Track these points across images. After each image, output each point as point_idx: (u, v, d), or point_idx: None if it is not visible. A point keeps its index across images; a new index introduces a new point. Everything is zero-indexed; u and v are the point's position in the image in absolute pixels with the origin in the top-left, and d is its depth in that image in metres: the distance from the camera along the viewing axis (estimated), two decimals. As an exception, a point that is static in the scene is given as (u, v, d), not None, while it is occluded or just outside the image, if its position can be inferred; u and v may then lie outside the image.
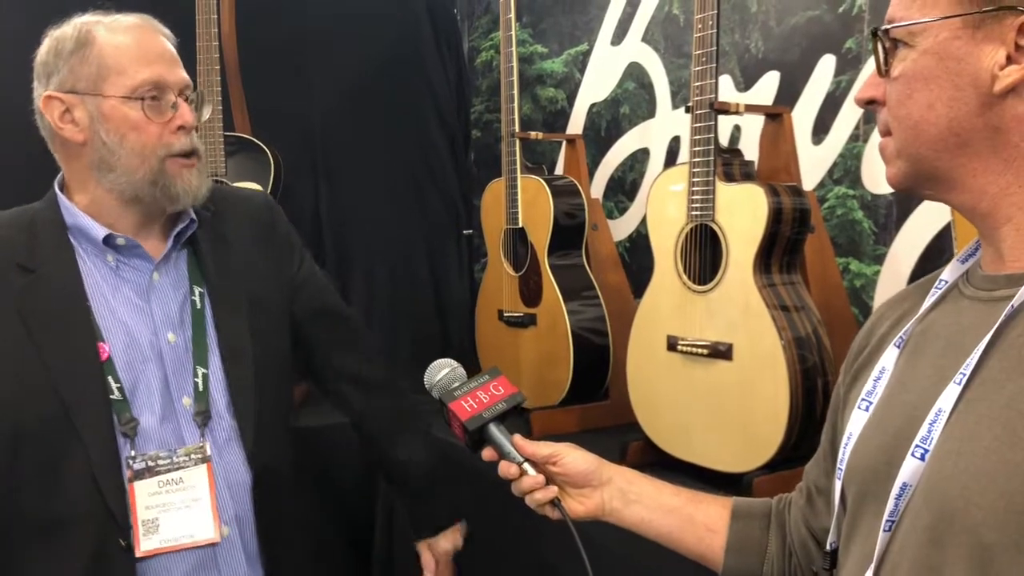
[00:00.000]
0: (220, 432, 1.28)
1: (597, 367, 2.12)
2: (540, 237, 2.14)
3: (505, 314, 2.27)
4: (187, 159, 1.27)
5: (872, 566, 0.77)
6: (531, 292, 2.19)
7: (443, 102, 3.17)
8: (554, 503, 1.08)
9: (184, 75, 1.27)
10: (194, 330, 1.29)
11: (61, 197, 1.27)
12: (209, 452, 1.26)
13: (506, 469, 1.09)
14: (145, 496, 1.21)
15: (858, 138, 1.89)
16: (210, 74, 2.15)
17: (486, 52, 3.12)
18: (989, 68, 0.73)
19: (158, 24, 1.28)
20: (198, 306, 1.30)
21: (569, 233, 2.15)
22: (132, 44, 1.22)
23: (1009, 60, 0.72)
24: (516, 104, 2.26)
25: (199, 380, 1.27)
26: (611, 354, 2.11)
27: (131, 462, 1.21)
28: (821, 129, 1.96)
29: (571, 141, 2.33)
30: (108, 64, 1.20)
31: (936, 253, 1.76)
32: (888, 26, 0.80)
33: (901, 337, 0.85)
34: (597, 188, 2.57)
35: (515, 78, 2.25)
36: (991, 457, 0.67)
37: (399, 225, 3.09)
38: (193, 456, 1.24)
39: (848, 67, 1.90)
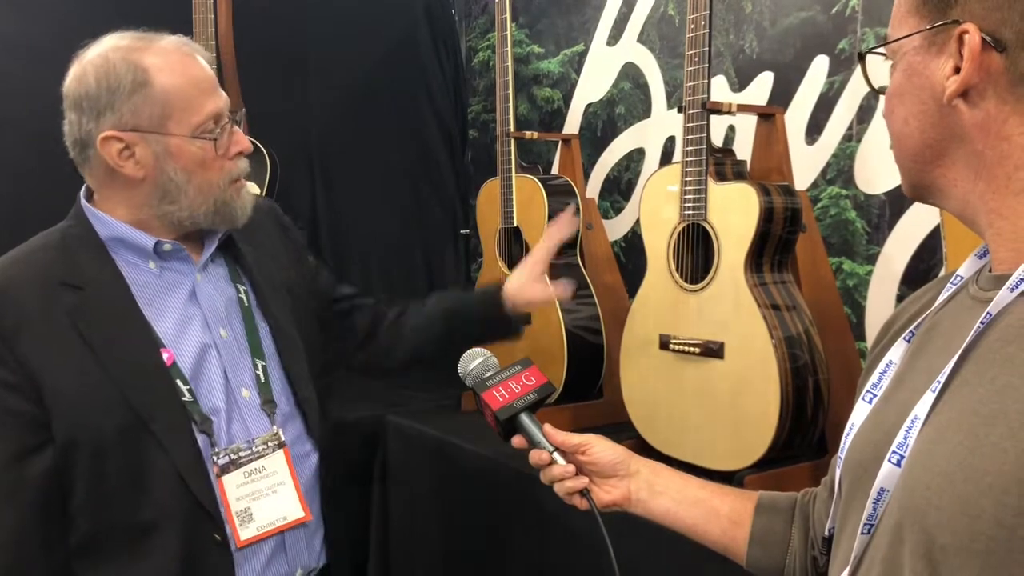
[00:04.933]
0: (279, 419, 1.33)
1: (591, 366, 2.13)
2: (535, 236, 2.15)
3: (500, 313, 2.27)
4: (239, 180, 1.31)
5: (848, 568, 0.79)
6: (526, 291, 2.19)
7: (440, 102, 3.18)
8: (582, 493, 1.10)
9: (226, 97, 1.29)
10: (246, 325, 1.34)
11: (92, 211, 1.27)
12: (284, 438, 1.31)
13: (537, 457, 1.11)
14: (234, 488, 1.26)
15: (851, 138, 1.90)
16: (207, 73, 2.16)
17: (483, 52, 3.13)
18: (942, 80, 0.75)
19: (197, 46, 1.30)
20: (245, 302, 1.35)
21: (564, 232, 2.16)
22: (189, 80, 1.23)
23: (957, 70, 0.74)
24: (511, 104, 2.27)
25: (260, 372, 1.32)
26: (605, 353, 2.12)
27: (215, 458, 1.25)
28: (815, 129, 1.96)
29: (567, 141, 2.34)
30: (172, 102, 1.21)
31: (928, 253, 1.77)
32: (867, 48, 0.85)
33: (911, 331, 0.86)
34: (593, 188, 2.58)
35: (510, 78, 2.26)
36: (953, 460, 0.68)
37: (396, 225, 3.10)
38: (270, 444, 1.30)
39: (841, 68, 1.90)
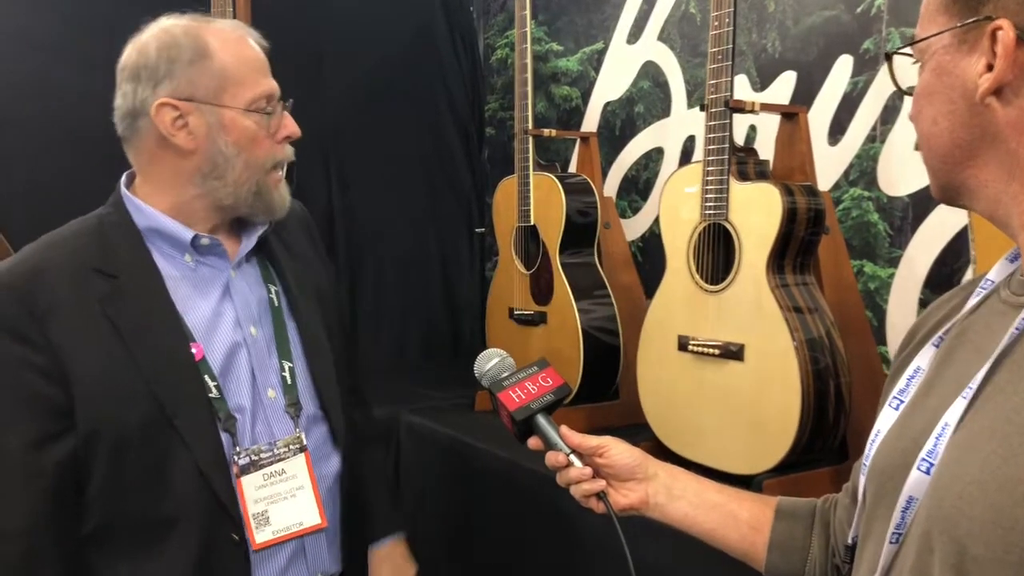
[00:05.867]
0: (303, 422, 1.31)
1: (607, 366, 2.11)
2: (552, 235, 2.13)
3: (516, 312, 2.26)
4: (280, 171, 1.30)
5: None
6: (542, 290, 2.18)
7: (457, 99, 3.16)
8: (599, 496, 1.08)
9: (276, 84, 1.29)
10: (275, 326, 1.33)
11: (131, 199, 1.27)
12: (305, 442, 1.29)
13: (553, 459, 1.09)
14: (252, 490, 1.24)
15: (874, 139, 1.87)
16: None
17: (501, 50, 3.11)
18: (974, 78, 0.74)
19: (252, 31, 1.31)
20: (276, 304, 1.34)
21: (581, 231, 2.14)
22: (246, 57, 1.26)
23: (989, 68, 0.73)
24: (530, 101, 2.25)
25: (286, 374, 1.30)
26: (622, 353, 2.10)
27: (236, 458, 1.23)
28: (837, 130, 1.94)
29: (585, 139, 2.32)
30: (228, 76, 1.22)
31: (952, 257, 1.74)
32: (895, 48, 0.84)
33: (940, 336, 0.85)
34: (610, 187, 2.56)
35: (529, 75, 2.25)
36: (985, 469, 0.67)
37: (411, 222, 3.09)
38: (292, 447, 1.28)
39: (866, 68, 1.88)
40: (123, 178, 1.30)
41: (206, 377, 1.22)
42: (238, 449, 1.23)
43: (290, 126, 1.29)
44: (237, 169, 1.24)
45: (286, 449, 1.27)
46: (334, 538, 1.34)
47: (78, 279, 1.19)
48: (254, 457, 1.25)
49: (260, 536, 1.23)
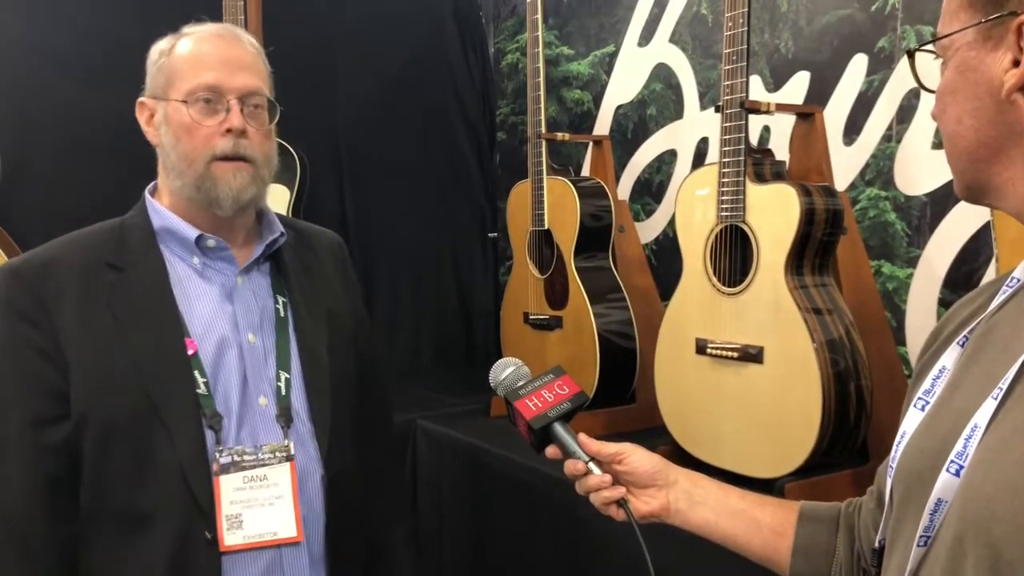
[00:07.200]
0: (294, 435, 1.29)
1: (624, 370, 2.10)
2: (566, 239, 2.13)
3: (531, 316, 2.25)
4: (235, 162, 1.27)
5: None
6: (557, 294, 2.17)
7: (468, 105, 3.16)
8: (620, 503, 1.07)
9: (249, 81, 1.28)
10: (278, 335, 1.32)
11: (151, 202, 1.31)
12: (293, 451, 1.27)
13: (572, 467, 1.08)
14: (230, 491, 1.22)
15: (891, 139, 1.86)
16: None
17: (512, 54, 3.11)
18: (999, 74, 0.73)
19: (239, 32, 1.31)
20: (282, 314, 1.34)
21: (595, 235, 2.14)
22: (200, 51, 1.26)
23: (1016, 64, 0.72)
24: (542, 105, 2.25)
25: (281, 384, 1.30)
26: (638, 357, 2.09)
27: (217, 455, 1.22)
28: (853, 130, 1.93)
29: (598, 142, 2.32)
30: (174, 70, 1.26)
31: (971, 256, 1.73)
32: (916, 46, 0.83)
33: (965, 336, 0.83)
34: (624, 190, 2.55)
35: (542, 79, 2.24)
36: (1018, 470, 0.66)
37: (424, 228, 3.09)
38: (278, 454, 1.26)
39: (881, 66, 1.87)
40: (150, 185, 1.34)
41: (196, 373, 1.23)
42: (220, 447, 1.22)
43: (233, 119, 1.25)
44: (173, 159, 1.26)
45: (271, 456, 1.25)
46: (319, 561, 1.30)
47: (88, 272, 1.23)
48: (236, 458, 1.23)
49: (230, 539, 1.21)
